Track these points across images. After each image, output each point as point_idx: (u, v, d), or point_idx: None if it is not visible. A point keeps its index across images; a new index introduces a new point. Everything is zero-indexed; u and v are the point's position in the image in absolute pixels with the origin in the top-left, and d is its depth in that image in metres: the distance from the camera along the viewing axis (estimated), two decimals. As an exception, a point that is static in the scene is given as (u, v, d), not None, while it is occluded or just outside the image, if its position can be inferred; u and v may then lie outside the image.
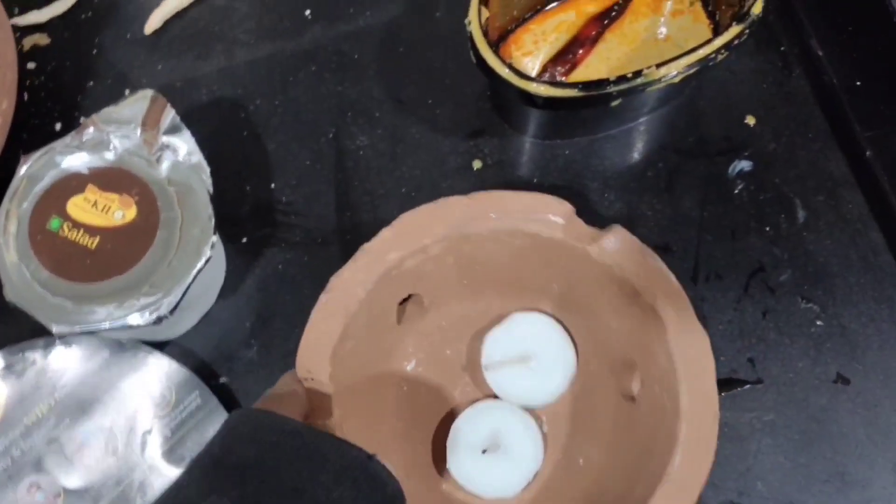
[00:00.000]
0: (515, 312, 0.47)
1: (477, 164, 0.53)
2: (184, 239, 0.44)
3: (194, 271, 0.43)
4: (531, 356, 0.46)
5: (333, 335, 0.41)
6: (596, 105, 0.47)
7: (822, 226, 0.52)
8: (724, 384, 0.49)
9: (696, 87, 0.55)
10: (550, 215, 0.43)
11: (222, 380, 0.49)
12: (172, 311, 0.42)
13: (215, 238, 0.43)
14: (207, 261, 0.43)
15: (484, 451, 0.45)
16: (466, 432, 0.45)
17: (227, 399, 0.49)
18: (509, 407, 0.46)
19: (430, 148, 0.54)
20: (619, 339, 0.45)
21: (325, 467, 0.31)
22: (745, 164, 0.53)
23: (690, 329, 0.42)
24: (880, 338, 0.49)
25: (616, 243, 0.43)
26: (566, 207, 0.44)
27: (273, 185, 0.53)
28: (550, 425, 0.47)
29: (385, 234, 0.43)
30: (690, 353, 0.41)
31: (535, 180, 0.53)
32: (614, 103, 0.47)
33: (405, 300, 0.46)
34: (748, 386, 0.49)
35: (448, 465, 0.45)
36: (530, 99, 0.47)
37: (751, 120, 0.54)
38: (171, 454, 0.46)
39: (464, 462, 0.45)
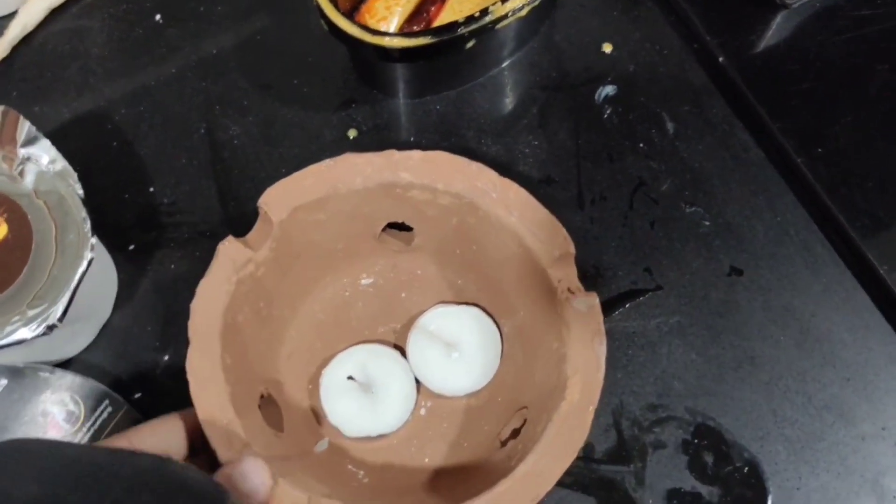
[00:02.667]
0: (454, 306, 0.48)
1: (352, 133, 0.54)
2: (61, 247, 0.43)
3: (77, 276, 0.42)
4: (457, 346, 0.46)
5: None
6: (451, 50, 0.48)
7: (692, 133, 0.54)
8: (627, 296, 0.50)
9: (550, 26, 0.57)
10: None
11: (136, 395, 0.48)
12: (61, 319, 0.41)
13: (94, 240, 0.42)
14: (90, 263, 0.42)
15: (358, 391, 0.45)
16: (337, 375, 0.45)
17: (144, 407, 0.48)
18: (380, 348, 0.46)
19: (304, 126, 0.54)
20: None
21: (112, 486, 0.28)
22: (609, 89, 0.55)
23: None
24: (763, 226, 0.52)
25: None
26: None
27: (152, 189, 0.52)
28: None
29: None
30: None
31: (411, 139, 0.54)
32: (469, 45, 0.48)
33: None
34: (649, 294, 0.50)
35: (324, 409, 0.45)
36: (387, 54, 0.48)
37: (607, 48, 0.56)
38: (89, 470, 0.44)
39: (336, 405, 0.45)
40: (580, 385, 0.40)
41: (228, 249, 0.42)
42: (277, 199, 0.43)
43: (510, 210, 0.43)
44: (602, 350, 0.40)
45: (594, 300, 0.41)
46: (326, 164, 0.44)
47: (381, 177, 0.44)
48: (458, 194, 0.43)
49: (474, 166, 0.44)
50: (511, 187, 0.43)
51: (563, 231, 0.43)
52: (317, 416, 0.46)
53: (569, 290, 0.42)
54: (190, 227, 0.52)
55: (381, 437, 0.45)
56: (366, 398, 0.45)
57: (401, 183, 0.44)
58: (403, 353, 0.47)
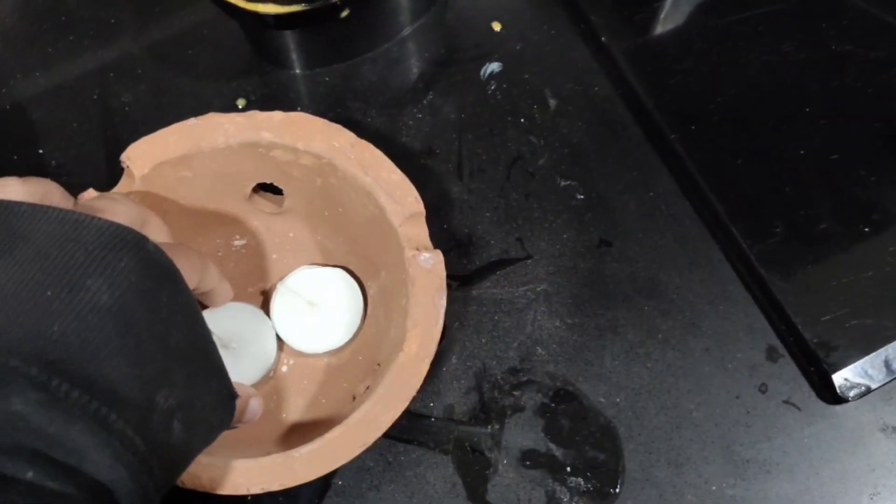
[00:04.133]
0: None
1: (241, 103, 0.55)
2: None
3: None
4: (319, 306, 0.47)
5: None
6: (327, 18, 0.49)
7: (573, 110, 0.55)
8: (497, 265, 0.51)
9: (442, 4, 0.58)
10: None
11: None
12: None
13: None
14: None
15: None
16: None
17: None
18: (241, 304, 0.47)
19: (195, 95, 0.55)
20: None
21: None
22: (495, 66, 0.56)
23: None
24: (635, 201, 0.53)
25: None
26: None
27: (41, 151, 0.54)
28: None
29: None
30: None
31: (298, 109, 0.55)
32: (343, 14, 0.50)
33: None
34: (518, 263, 0.51)
35: None
36: (263, 21, 0.49)
37: (497, 26, 0.58)
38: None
39: None
40: (419, 338, 0.41)
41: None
42: (140, 155, 0.44)
43: (366, 170, 0.44)
44: (442, 304, 0.42)
45: (438, 257, 0.43)
46: (191, 122, 0.45)
47: (244, 136, 0.45)
48: (317, 154, 0.45)
49: (333, 127, 0.45)
50: (367, 147, 0.44)
51: (415, 192, 0.44)
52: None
53: (416, 248, 0.43)
54: (76, 189, 0.51)
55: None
56: (224, 353, 0.46)
57: (263, 142, 0.45)
58: (268, 299, 0.48)
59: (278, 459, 0.39)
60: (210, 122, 0.45)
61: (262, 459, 0.39)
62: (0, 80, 0.56)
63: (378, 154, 0.45)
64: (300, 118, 0.45)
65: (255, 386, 0.47)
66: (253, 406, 0.37)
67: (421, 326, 0.41)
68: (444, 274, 0.42)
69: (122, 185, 0.45)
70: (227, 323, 0.47)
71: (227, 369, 0.45)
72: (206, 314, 0.46)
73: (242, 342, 0.46)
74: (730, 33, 0.56)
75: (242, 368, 0.46)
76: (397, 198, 0.44)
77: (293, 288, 0.47)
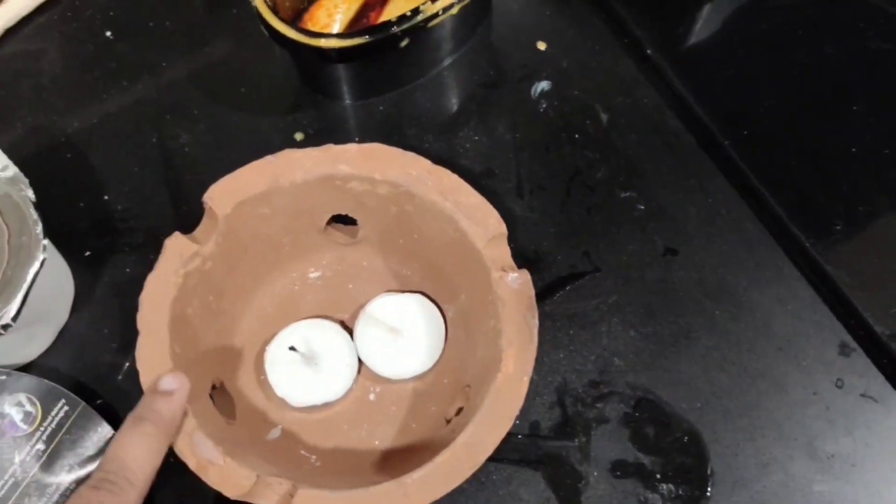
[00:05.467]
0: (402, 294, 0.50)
1: (299, 136, 0.56)
2: (13, 249, 0.44)
3: (30, 276, 0.43)
4: (403, 332, 0.48)
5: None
6: (387, 50, 0.50)
7: (625, 123, 0.56)
8: (567, 279, 0.52)
9: (486, 27, 0.59)
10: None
11: (96, 395, 0.50)
12: (15, 318, 0.42)
13: (45, 241, 0.44)
14: (42, 263, 0.44)
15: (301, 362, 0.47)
16: (280, 349, 0.47)
17: (103, 407, 0.49)
18: (319, 321, 0.48)
19: (252, 131, 0.56)
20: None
21: None
22: (544, 85, 0.57)
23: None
24: (695, 208, 0.54)
25: None
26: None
27: (106, 197, 0.54)
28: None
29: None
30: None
31: (356, 139, 0.56)
32: (403, 44, 0.50)
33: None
34: (588, 276, 0.52)
35: (270, 383, 0.47)
36: (325, 55, 0.50)
37: (542, 45, 0.59)
38: (49, 466, 0.46)
39: (280, 377, 0.47)
40: (514, 357, 0.42)
41: (175, 244, 0.44)
42: (221, 195, 0.45)
43: (444, 195, 0.45)
44: (534, 322, 0.42)
45: (526, 276, 0.43)
46: (267, 159, 0.46)
47: (321, 170, 0.46)
48: (394, 183, 0.45)
49: (408, 156, 0.46)
50: (444, 173, 0.45)
51: (495, 213, 0.45)
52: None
53: (502, 269, 0.44)
54: (144, 233, 0.53)
55: (326, 405, 0.47)
56: (308, 368, 0.46)
57: (339, 175, 0.46)
58: (347, 329, 0.49)
59: (391, 487, 0.39)
60: (287, 158, 0.46)
61: (375, 489, 0.39)
62: (58, 130, 0.56)
63: (455, 178, 0.45)
64: (376, 149, 0.46)
65: (339, 401, 0.47)
66: (164, 381, 0.40)
67: (516, 345, 0.42)
68: (532, 293, 0.43)
69: (204, 225, 0.45)
70: (311, 339, 0.47)
71: (312, 383, 0.46)
72: (290, 329, 0.47)
73: (325, 359, 0.47)
74: (770, 38, 0.58)
75: (325, 384, 0.47)
76: (478, 220, 0.45)
77: (375, 316, 0.48)
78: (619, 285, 0.52)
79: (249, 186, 0.45)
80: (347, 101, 0.57)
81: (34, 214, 0.45)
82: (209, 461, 0.39)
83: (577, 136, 0.56)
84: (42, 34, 0.59)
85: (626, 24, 0.58)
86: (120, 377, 0.50)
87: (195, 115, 0.57)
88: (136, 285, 0.51)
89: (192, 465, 0.39)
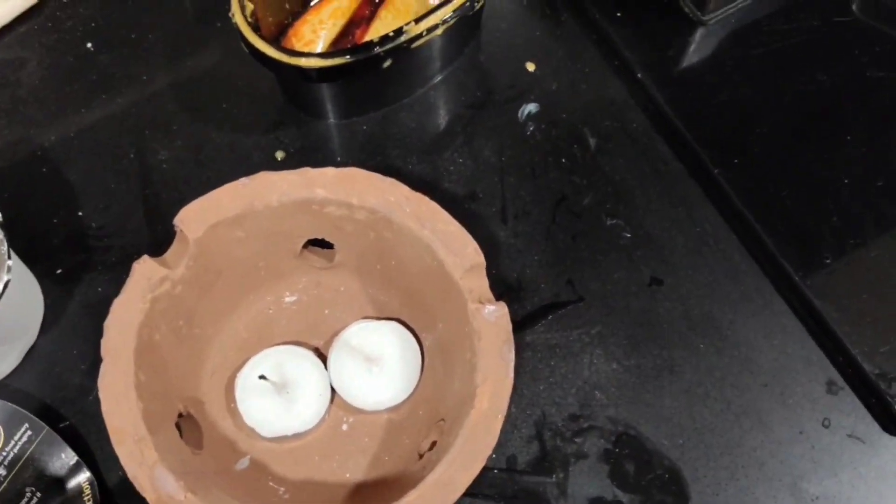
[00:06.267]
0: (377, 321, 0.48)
1: (280, 155, 0.55)
2: (-22, 269, 0.43)
3: (-7, 298, 0.42)
4: (378, 361, 0.46)
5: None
6: (369, 69, 0.49)
7: (613, 147, 0.55)
8: (550, 308, 0.51)
9: (475, 46, 0.58)
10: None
11: (62, 421, 0.48)
12: (-24, 342, 0.41)
13: (10, 262, 0.43)
14: (6, 286, 0.42)
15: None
16: (251, 377, 0.46)
17: (69, 431, 0.48)
18: (292, 348, 0.47)
19: (232, 148, 0.55)
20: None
21: None
22: (532, 107, 0.56)
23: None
24: (682, 237, 0.53)
25: None
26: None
27: (81, 213, 0.53)
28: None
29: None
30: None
31: (338, 159, 0.55)
32: (385, 64, 0.49)
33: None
34: (571, 306, 0.51)
35: (239, 411, 0.46)
36: (306, 75, 0.48)
37: (531, 66, 0.57)
38: (9, 493, 0.44)
39: (250, 406, 0.45)
40: (489, 393, 0.41)
41: (143, 268, 0.43)
42: (193, 217, 0.44)
43: (422, 223, 0.44)
44: (510, 357, 0.41)
45: (503, 310, 0.42)
46: (242, 181, 0.44)
47: (297, 193, 0.44)
48: (372, 209, 0.44)
49: (387, 181, 0.44)
50: (422, 200, 0.44)
51: (474, 243, 0.43)
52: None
53: (479, 300, 0.42)
54: (118, 251, 0.52)
55: (297, 436, 0.46)
56: (280, 397, 0.45)
57: (316, 199, 0.44)
58: (322, 356, 0.48)
59: (358, 526, 0.38)
60: (262, 180, 0.44)
61: (341, 526, 0.38)
62: (34, 143, 0.55)
63: (433, 206, 0.44)
64: (354, 173, 0.45)
65: (310, 432, 0.46)
66: None
67: (491, 381, 0.41)
68: (509, 327, 0.42)
69: (175, 249, 0.44)
70: (283, 367, 0.46)
71: (283, 413, 0.44)
72: (261, 356, 0.46)
73: (297, 388, 0.46)
74: (763, 64, 0.56)
75: (297, 413, 0.45)
76: (455, 250, 0.43)
77: (350, 343, 0.47)
78: (602, 315, 0.51)
79: (223, 209, 0.44)
80: (331, 120, 0.56)
81: (0, 233, 0.44)
82: (170, 496, 0.38)
83: (564, 160, 0.55)
84: (22, 44, 0.58)
85: (616, 46, 0.57)
86: (89, 399, 0.48)
87: (175, 131, 0.55)
88: (108, 305, 0.50)
89: (151, 500, 0.38)
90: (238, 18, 0.48)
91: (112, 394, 0.40)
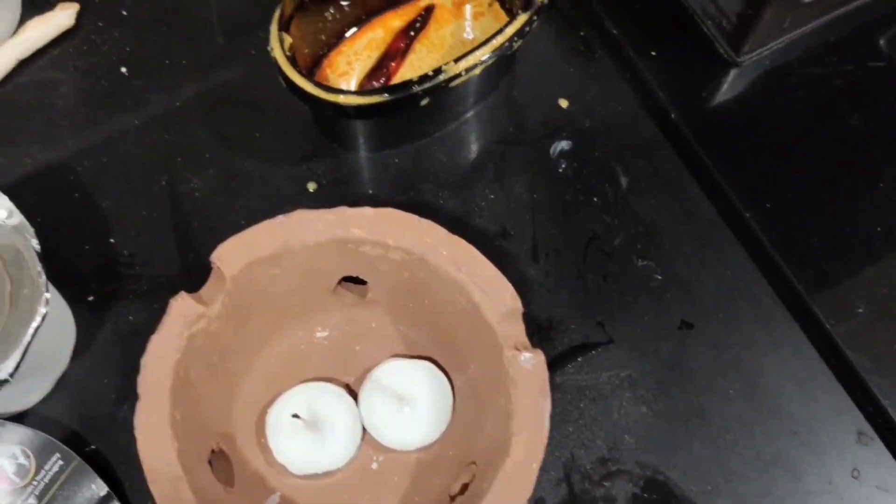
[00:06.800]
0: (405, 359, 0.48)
1: (312, 187, 0.55)
2: (15, 301, 0.43)
3: (30, 331, 0.42)
4: (410, 401, 0.46)
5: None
6: (406, 107, 0.49)
7: (645, 188, 0.55)
8: (580, 349, 0.51)
9: (509, 81, 0.58)
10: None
11: (91, 447, 0.48)
12: (13, 374, 0.41)
13: (48, 295, 0.43)
14: (43, 318, 0.42)
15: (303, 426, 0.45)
16: (282, 413, 0.46)
17: (99, 461, 0.48)
18: (323, 385, 0.47)
19: (264, 178, 0.55)
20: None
21: None
22: (564, 144, 0.56)
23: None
24: (713, 280, 0.53)
25: None
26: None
27: (112, 240, 0.53)
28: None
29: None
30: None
31: (370, 192, 0.55)
32: (423, 103, 0.49)
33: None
34: (601, 348, 0.51)
35: (270, 448, 0.46)
36: (343, 111, 0.49)
37: (564, 103, 0.57)
38: (39, 524, 0.44)
39: (282, 443, 0.45)
40: (524, 443, 0.40)
41: (180, 305, 0.43)
42: (230, 255, 0.44)
43: (458, 266, 0.44)
44: (546, 407, 0.41)
45: (540, 358, 0.42)
46: (279, 220, 0.44)
47: (334, 233, 0.44)
48: (408, 250, 0.44)
49: (424, 223, 0.44)
50: (459, 244, 0.44)
51: (511, 288, 0.43)
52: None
53: (515, 347, 0.42)
54: (149, 279, 0.52)
55: (328, 474, 0.46)
56: (311, 435, 0.45)
57: (353, 239, 0.44)
58: (353, 392, 0.48)
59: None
60: (299, 218, 0.45)
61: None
62: (67, 168, 0.55)
63: (471, 250, 0.44)
64: (391, 214, 0.45)
65: (340, 470, 0.46)
66: None
67: (526, 431, 0.41)
68: (546, 375, 0.42)
69: (211, 285, 0.44)
70: (315, 404, 0.46)
71: (315, 450, 0.44)
72: (292, 393, 0.46)
73: (329, 426, 0.46)
74: (796, 107, 0.56)
75: (328, 451, 0.45)
76: (492, 294, 0.43)
77: (382, 382, 0.47)
78: (632, 358, 0.51)
79: (260, 247, 0.44)
80: (363, 153, 0.56)
81: (38, 266, 0.44)
82: None
83: (595, 199, 0.55)
84: (56, 67, 0.58)
85: (650, 85, 0.57)
86: (119, 429, 0.48)
87: (207, 159, 0.55)
88: (139, 335, 0.50)
89: (186, 542, 0.38)
90: (277, 53, 0.48)
91: (148, 432, 0.40)
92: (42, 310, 0.43)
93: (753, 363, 0.51)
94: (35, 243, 0.44)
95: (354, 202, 0.47)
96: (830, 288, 0.51)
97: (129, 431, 0.48)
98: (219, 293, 0.44)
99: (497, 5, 0.57)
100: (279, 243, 0.44)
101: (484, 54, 0.49)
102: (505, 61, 0.56)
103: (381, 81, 0.55)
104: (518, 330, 0.43)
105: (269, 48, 0.49)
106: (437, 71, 0.48)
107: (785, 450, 0.49)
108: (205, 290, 0.44)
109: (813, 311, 0.51)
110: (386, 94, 0.48)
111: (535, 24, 0.51)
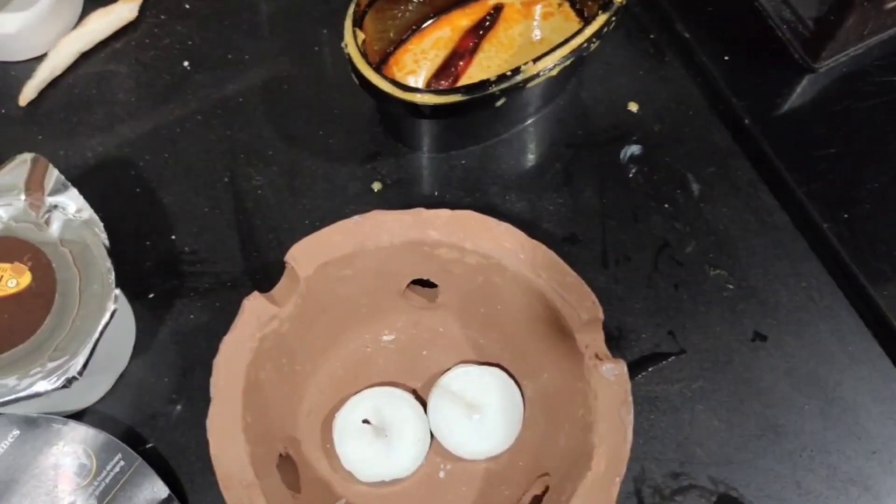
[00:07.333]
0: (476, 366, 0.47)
1: (377, 186, 0.54)
2: (84, 297, 0.42)
3: (99, 328, 0.41)
4: (479, 409, 0.45)
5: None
6: (481, 107, 0.48)
7: (717, 195, 0.54)
8: (650, 359, 0.50)
9: (577, 83, 0.57)
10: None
11: (149, 445, 0.48)
12: (81, 372, 0.40)
13: (117, 291, 0.42)
14: (112, 315, 0.42)
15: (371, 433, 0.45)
16: (350, 419, 0.45)
17: (158, 461, 0.47)
18: (392, 390, 0.46)
19: (328, 177, 0.54)
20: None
21: None
22: (634, 149, 0.55)
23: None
24: (787, 291, 0.51)
25: None
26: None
27: (174, 237, 0.52)
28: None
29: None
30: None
31: (435, 193, 0.54)
32: (499, 103, 0.48)
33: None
34: (672, 358, 0.50)
35: (337, 453, 0.45)
36: (417, 110, 0.47)
37: (633, 106, 0.56)
38: (101, 524, 0.44)
39: (349, 449, 0.44)
40: (606, 456, 0.39)
41: (253, 306, 0.42)
42: (304, 255, 0.43)
43: (538, 272, 0.43)
44: (629, 420, 0.40)
45: (622, 368, 0.41)
46: (354, 220, 0.44)
47: (409, 234, 0.43)
48: (485, 254, 0.43)
49: (503, 227, 0.43)
50: (539, 249, 0.43)
51: (592, 296, 0.42)
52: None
53: (596, 356, 0.41)
54: (211, 277, 0.51)
55: (395, 481, 0.45)
56: (379, 441, 0.44)
57: (428, 241, 0.43)
58: (419, 398, 0.47)
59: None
60: (374, 220, 0.44)
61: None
62: (129, 163, 0.54)
63: (551, 256, 0.43)
64: (468, 217, 0.43)
65: (408, 478, 0.45)
66: None
67: (608, 444, 0.40)
68: (628, 387, 0.41)
69: (283, 285, 0.43)
70: (382, 410, 0.45)
71: (382, 458, 0.43)
72: (360, 398, 0.45)
73: (397, 432, 0.44)
74: (874, 115, 0.55)
75: (396, 459, 0.44)
76: (573, 301, 0.42)
77: (451, 389, 0.46)
78: (704, 370, 0.49)
79: (334, 248, 0.43)
80: (429, 153, 0.55)
81: (107, 261, 0.43)
82: None
83: (666, 205, 0.53)
84: (118, 60, 0.57)
85: (722, 90, 0.56)
86: (175, 428, 0.48)
87: (270, 157, 0.55)
88: (199, 333, 0.50)
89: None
90: (351, 49, 0.47)
91: (222, 437, 0.39)
92: (111, 306, 0.42)
93: (830, 378, 0.49)
94: (104, 238, 0.44)
95: (420, 203, 0.46)
96: (911, 303, 0.49)
97: (187, 430, 0.48)
98: (292, 294, 0.43)
99: (567, 5, 0.56)
100: (354, 244, 0.43)
101: (562, 55, 0.48)
102: (576, 62, 0.55)
103: (449, 81, 0.54)
104: (599, 339, 0.42)
105: (342, 44, 0.48)
106: (516, 71, 0.47)
107: (863, 469, 0.47)
108: (277, 291, 0.43)
109: (893, 326, 0.49)
110: (462, 94, 0.47)
111: (612, 26, 0.49)
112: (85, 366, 0.41)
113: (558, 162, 0.55)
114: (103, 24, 0.57)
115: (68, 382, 0.40)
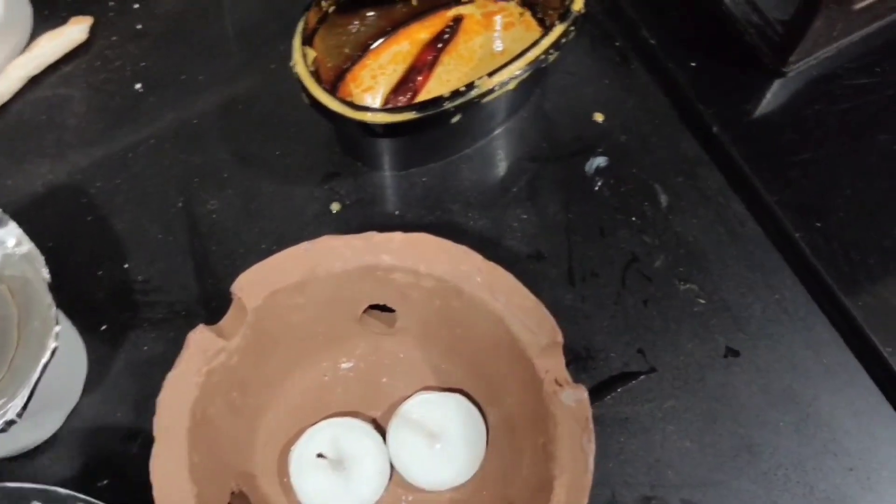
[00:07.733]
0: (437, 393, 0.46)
1: (336, 207, 0.52)
2: (24, 335, 0.41)
3: (39, 367, 0.40)
4: (441, 437, 0.44)
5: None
6: (437, 124, 0.46)
7: (686, 206, 0.52)
8: (619, 379, 0.48)
9: (540, 95, 0.55)
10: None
11: (104, 482, 0.46)
12: (20, 414, 0.39)
13: (58, 328, 0.40)
14: (53, 353, 0.40)
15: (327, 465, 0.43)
16: (306, 452, 0.43)
17: (115, 499, 0.45)
18: (349, 421, 0.44)
19: (285, 199, 0.52)
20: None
21: None
22: (600, 161, 0.53)
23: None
24: (760, 304, 0.50)
25: None
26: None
27: (127, 266, 0.51)
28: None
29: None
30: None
31: (396, 213, 0.52)
32: (454, 119, 0.47)
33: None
34: (642, 377, 0.48)
35: (293, 488, 0.43)
36: (370, 129, 0.46)
37: (599, 117, 0.55)
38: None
39: (306, 483, 0.43)
40: (566, 486, 0.38)
41: (199, 339, 0.40)
42: (252, 285, 0.41)
43: (495, 295, 0.41)
44: (591, 449, 0.38)
45: (583, 394, 0.39)
46: (304, 246, 0.42)
47: (362, 259, 0.42)
48: (441, 277, 0.42)
49: (458, 249, 0.42)
50: (496, 271, 0.41)
51: (552, 319, 0.41)
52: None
53: (556, 381, 0.40)
54: (165, 307, 0.50)
55: None
56: (337, 474, 0.42)
57: (382, 266, 0.42)
58: (379, 427, 0.45)
59: None
60: (325, 245, 0.42)
61: None
62: (80, 190, 0.53)
63: (509, 279, 0.41)
64: (422, 240, 0.42)
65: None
66: None
67: (569, 473, 0.38)
68: (589, 413, 0.39)
69: (231, 317, 0.42)
70: (340, 441, 0.43)
71: (340, 491, 0.41)
72: (316, 429, 0.43)
73: (355, 465, 0.43)
74: (847, 120, 0.53)
75: (355, 491, 0.43)
76: (532, 326, 0.41)
77: (411, 418, 0.44)
78: (675, 388, 0.48)
79: (283, 276, 0.41)
80: (389, 171, 0.53)
81: (48, 297, 0.41)
82: None
83: (634, 218, 0.52)
84: (68, 83, 0.56)
85: (690, 97, 0.54)
86: (131, 465, 0.46)
87: (225, 179, 0.53)
88: (154, 365, 0.48)
89: None
90: (300, 68, 0.46)
91: (164, 478, 0.37)
92: (52, 344, 0.40)
93: (805, 393, 0.47)
94: (45, 273, 0.42)
95: (380, 223, 0.45)
96: (886, 312, 0.48)
97: (143, 467, 0.46)
98: (240, 325, 0.41)
99: (529, 15, 0.55)
100: (304, 271, 0.42)
101: (519, 68, 0.46)
102: (537, 74, 0.53)
103: (408, 96, 0.53)
104: (558, 363, 0.40)
105: (291, 63, 0.46)
106: (470, 86, 0.45)
107: (841, 486, 0.45)
108: (225, 322, 0.41)
109: (869, 338, 0.47)
110: (415, 112, 0.45)
111: (571, 36, 0.48)
112: (24, 407, 0.39)
113: (522, 176, 0.53)
114: (53, 46, 0.55)
115: (7, 426, 0.39)
